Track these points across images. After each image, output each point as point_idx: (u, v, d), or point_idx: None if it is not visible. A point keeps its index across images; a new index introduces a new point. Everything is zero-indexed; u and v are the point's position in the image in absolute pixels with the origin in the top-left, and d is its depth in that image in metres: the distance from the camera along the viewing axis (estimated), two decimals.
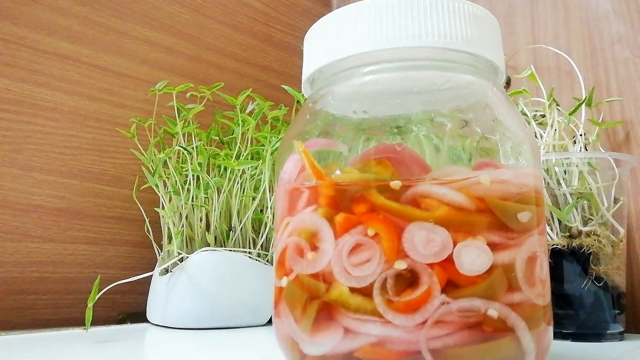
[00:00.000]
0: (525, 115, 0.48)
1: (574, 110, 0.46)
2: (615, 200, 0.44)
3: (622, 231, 0.43)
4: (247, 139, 0.52)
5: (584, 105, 0.47)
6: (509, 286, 0.25)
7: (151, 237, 0.55)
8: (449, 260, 0.25)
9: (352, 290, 0.25)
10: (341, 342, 0.25)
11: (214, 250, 0.49)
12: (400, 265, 0.25)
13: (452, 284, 0.25)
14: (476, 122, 0.28)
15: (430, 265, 0.25)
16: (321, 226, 0.26)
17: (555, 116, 0.46)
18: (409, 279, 0.25)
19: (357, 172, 0.28)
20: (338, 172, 0.28)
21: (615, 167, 0.43)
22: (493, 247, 0.25)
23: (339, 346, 0.25)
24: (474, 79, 0.28)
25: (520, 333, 0.25)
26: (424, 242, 0.25)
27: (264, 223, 0.52)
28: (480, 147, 0.28)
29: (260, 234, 0.53)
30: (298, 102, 0.53)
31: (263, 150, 0.49)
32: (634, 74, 0.50)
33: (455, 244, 0.25)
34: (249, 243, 0.52)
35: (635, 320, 0.48)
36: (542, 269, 0.27)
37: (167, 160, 0.51)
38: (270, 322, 0.52)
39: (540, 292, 0.26)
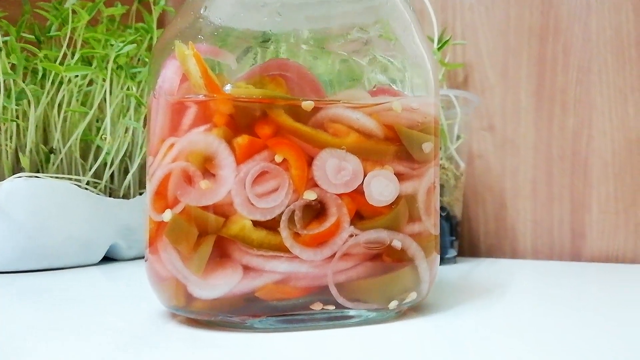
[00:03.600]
0: None
1: (441, 47, 0.48)
2: (458, 137, 0.47)
3: (463, 165, 0.47)
4: (74, 39, 0.42)
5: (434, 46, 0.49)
6: (410, 217, 0.25)
7: None
8: (358, 191, 0.23)
9: (256, 224, 0.22)
10: (241, 282, 0.22)
11: (31, 176, 0.40)
12: (310, 195, 0.23)
13: (359, 216, 0.24)
14: (387, 41, 0.26)
15: (340, 195, 0.23)
16: (219, 149, 0.22)
17: None
18: (315, 211, 0.23)
19: (253, 88, 0.24)
20: (229, 87, 0.24)
21: (457, 105, 0.46)
22: (399, 177, 0.24)
23: (238, 287, 0.22)
24: None
25: (419, 262, 0.25)
26: (335, 170, 0.23)
27: (95, 145, 0.44)
28: (386, 70, 0.26)
29: (91, 159, 0.45)
30: (140, 1, 0.44)
31: (100, 56, 0.40)
32: (477, 20, 0.54)
33: (365, 174, 0.23)
34: (77, 169, 0.44)
35: (464, 245, 0.54)
36: (437, 200, 0.27)
37: None
38: (104, 260, 0.45)
39: (435, 222, 0.26)
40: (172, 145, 0.23)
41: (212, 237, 0.22)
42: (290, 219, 0.22)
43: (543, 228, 0.51)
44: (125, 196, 0.47)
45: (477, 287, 0.35)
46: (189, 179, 0.22)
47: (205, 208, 0.22)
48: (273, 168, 0.22)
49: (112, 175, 0.46)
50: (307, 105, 0.23)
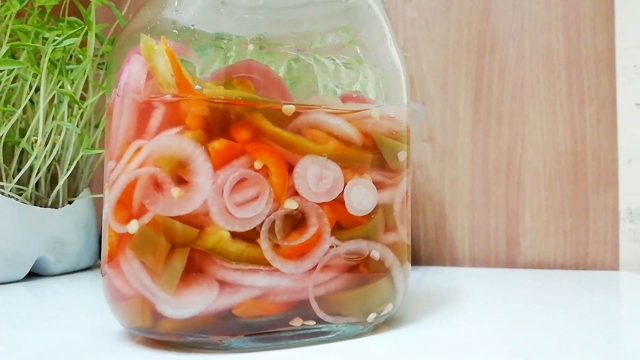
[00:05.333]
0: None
1: None
2: None
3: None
4: (1, 30, 0.37)
5: None
6: (386, 226, 0.24)
7: None
8: (338, 200, 0.22)
9: (234, 235, 0.21)
10: (217, 299, 0.20)
11: None
12: (291, 204, 0.21)
13: (338, 226, 0.23)
14: (361, 47, 0.25)
15: (320, 204, 0.22)
16: (194, 154, 0.20)
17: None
18: (294, 221, 0.22)
19: (224, 89, 0.22)
20: (198, 87, 0.22)
21: None
22: (376, 186, 0.24)
23: (214, 304, 0.20)
24: None
25: (395, 273, 0.24)
26: (317, 178, 0.22)
27: (21, 149, 0.40)
28: (360, 76, 0.26)
29: (14, 163, 0.40)
30: None
31: (29, 50, 0.36)
32: (419, 34, 0.56)
33: (345, 182, 0.23)
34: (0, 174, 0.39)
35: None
36: (409, 209, 0.27)
37: None
38: (29, 276, 0.40)
39: (408, 232, 0.26)
40: (139, 149, 0.21)
41: (185, 250, 0.20)
42: (271, 230, 0.21)
43: (480, 236, 0.53)
44: (54, 205, 0.42)
45: (434, 296, 0.35)
46: (158, 186, 0.20)
47: (177, 218, 0.20)
48: (253, 175, 0.21)
49: (37, 182, 0.41)
50: (288, 109, 0.22)
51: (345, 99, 0.25)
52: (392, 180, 0.25)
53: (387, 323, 0.26)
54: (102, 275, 0.22)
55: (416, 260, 0.55)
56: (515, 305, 0.32)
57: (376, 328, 0.25)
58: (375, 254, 0.23)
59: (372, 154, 0.24)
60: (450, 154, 0.55)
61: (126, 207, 0.21)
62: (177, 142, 0.20)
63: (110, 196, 0.22)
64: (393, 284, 0.24)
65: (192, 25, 0.22)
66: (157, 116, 0.21)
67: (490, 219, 0.53)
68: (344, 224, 0.23)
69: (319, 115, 0.23)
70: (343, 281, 0.23)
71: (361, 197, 0.23)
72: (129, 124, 0.21)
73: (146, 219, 0.20)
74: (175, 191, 0.20)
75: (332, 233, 0.22)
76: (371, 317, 0.23)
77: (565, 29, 0.52)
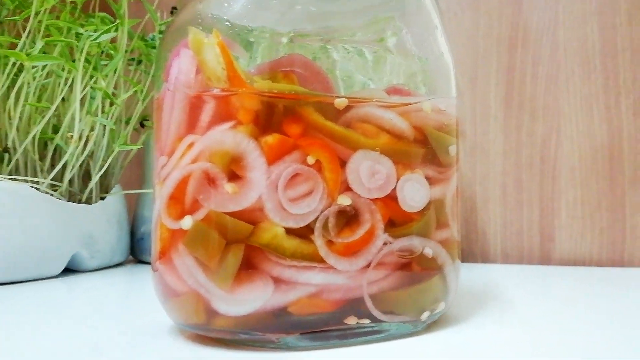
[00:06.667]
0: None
1: None
2: None
3: None
4: (32, 27, 0.37)
5: None
6: (438, 223, 0.24)
7: None
8: (391, 196, 0.22)
9: (288, 231, 0.20)
10: (272, 296, 0.20)
11: None
12: (344, 200, 0.21)
13: (391, 222, 0.22)
14: (413, 37, 0.25)
15: (374, 200, 0.22)
16: (248, 149, 0.20)
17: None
18: (346, 218, 0.21)
19: (276, 84, 0.22)
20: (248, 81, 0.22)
21: None
22: (428, 181, 0.23)
23: (270, 301, 0.20)
24: None
25: (447, 270, 0.24)
26: (369, 173, 0.21)
27: (55, 145, 0.40)
28: (407, 68, 0.25)
29: (48, 159, 0.40)
30: None
31: (63, 45, 0.36)
32: (447, 27, 0.54)
33: (397, 178, 0.22)
34: (34, 170, 0.39)
35: None
36: (459, 205, 0.26)
37: None
38: (64, 272, 0.40)
39: (458, 228, 0.25)
40: (191, 144, 0.21)
41: (240, 246, 0.20)
42: (324, 226, 0.21)
43: (513, 232, 0.53)
44: (87, 201, 0.43)
45: (474, 293, 0.34)
46: (212, 182, 0.20)
47: (233, 214, 0.20)
48: (306, 170, 0.20)
49: (70, 178, 0.41)
50: (340, 102, 0.21)
51: (391, 91, 0.25)
52: (443, 175, 0.24)
53: (436, 322, 0.26)
54: (154, 272, 0.22)
55: None
56: (556, 303, 0.31)
57: (427, 327, 0.25)
58: (428, 251, 0.23)
59: (424, 148, 0.23)
60: (481, 149, 0.54)
61: (179, 203, 0.21)
62: (231, 137, 0.20)
63: (162, 192, 0.21)
64: (445, 281, 0.24)
65: (245, 19, 0.22)
66: (209, 111, 0.21)
67: (523, 214, 0.52)
68: (396, 221, 0.22)
69: (370, 108, 0.22)
70: (396, 279, 0.22)
71: (414, 192, 0.22)
72: (181, 119, 0.21)
73: (200, 214, 0.20)
74: (229, 187, 0.20)
75: (385, 230, 0.22)
76: (424, 315, 0.23)
77: (600, 20, 0.50)
